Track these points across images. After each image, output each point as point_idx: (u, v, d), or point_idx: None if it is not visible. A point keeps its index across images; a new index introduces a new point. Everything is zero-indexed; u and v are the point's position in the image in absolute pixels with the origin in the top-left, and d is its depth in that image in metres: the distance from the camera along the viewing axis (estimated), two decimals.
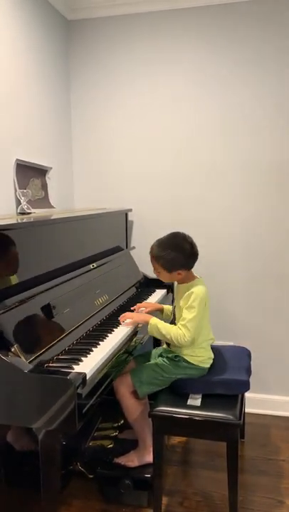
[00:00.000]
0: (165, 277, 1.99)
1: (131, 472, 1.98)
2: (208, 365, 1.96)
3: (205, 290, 1.92)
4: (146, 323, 1.93)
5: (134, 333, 1.95)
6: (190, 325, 1.84)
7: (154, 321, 1.92)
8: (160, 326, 1.90)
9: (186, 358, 1.92)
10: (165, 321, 1.97)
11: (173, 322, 2.00)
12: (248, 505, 1.96)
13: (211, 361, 1.98)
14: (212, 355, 1.99)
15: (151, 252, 1.98)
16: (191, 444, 2.45)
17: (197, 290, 1.89)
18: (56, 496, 1.51)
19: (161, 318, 2.14)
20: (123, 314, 1.97)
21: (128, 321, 1.94)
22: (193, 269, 2.01)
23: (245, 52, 2.58)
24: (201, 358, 1.94)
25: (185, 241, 1.95)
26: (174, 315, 2.02)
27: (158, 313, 2.21)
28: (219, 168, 2.71)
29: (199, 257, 2.69)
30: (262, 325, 2.74)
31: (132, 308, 2.14)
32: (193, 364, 1.92)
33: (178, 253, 1.91)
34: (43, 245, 1.79)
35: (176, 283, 2.06)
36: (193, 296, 1.87)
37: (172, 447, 2.41)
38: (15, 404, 1.35)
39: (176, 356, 1.94)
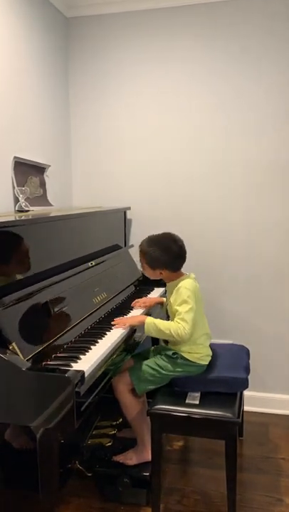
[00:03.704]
0: (149, 273, 2.03)
1: (129, 470, 1.98)
2: (206, 362, 1.96)
3: (193, 284, 1.93)
4: (142, 324, 1.90)
5: (133, 331, 1.95)
6: (187, 317, 1.84)
7: (150, 319, 1.89)
8: (158, 323, 1.87)
9: (184, 355, 1.92)
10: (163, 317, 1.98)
11: (167, 320, 2.00)
12: (246, 504, 1.96)
13: (210, 358, 1.98)
14: (210, 352, 1.99)
15: (140, 246, 2.03)
16: (189, 442, 2.44)
17: (185, 284, 1.90)
18: (55, 494, 1.50)
19: (161, 313, 2.15)
20: (115, 320, 1.91)
21: (122, 324, 1.88)
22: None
23: (248, 50, 2.57)
24: (199, 354, 1.93)
25: (174, 242, 1.97)
26: (167, 313, 2.04)
27: (159, 306, 2.22)
28: (219, 166, 2.70)
29: (200, 255, 2.71)
30: (261, 323, 2.74)
31: (132, 305, 2.16)
32: (191, 361, 1.92)
33: (163, 252, 1.94)
34: (41, 243, 1.79)
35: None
36: (184, 291, 1.88)
37: (171, 445, 2.40)
38: (13, 403, 1.35)
39: (174, 353, 1.94)
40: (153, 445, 1.84)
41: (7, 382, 1.33)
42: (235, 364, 2.02)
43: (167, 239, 1.98)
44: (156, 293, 2.52)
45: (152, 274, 2.02)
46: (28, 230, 1.70)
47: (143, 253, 2.00)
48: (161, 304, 2.21)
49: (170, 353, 1.94)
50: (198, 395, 1.88)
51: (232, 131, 2.65)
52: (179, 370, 1.92)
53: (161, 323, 1.87)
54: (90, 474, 2.02)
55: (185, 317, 1.84)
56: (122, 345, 1.80)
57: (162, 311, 2.17)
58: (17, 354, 1.38)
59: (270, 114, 2.59)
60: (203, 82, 2.66)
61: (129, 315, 2.05)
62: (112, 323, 1.89)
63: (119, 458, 2.03)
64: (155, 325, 1.87)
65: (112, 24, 2.74)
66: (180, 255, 1.97)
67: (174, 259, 1.96)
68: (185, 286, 1.89)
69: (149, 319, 1.90)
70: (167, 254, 1.94)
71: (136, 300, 2.20)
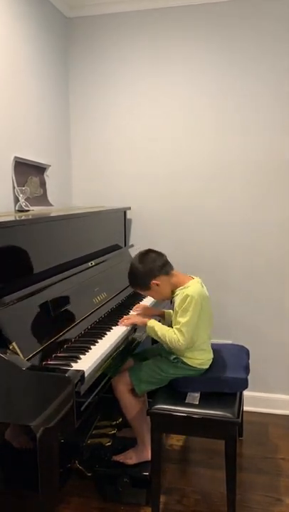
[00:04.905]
0: (152, 295, 2.01)
1: (129, 470, 1.98)
2: (207, 366, 1.95)
3: (200, 291, 1.89)
4: (144, 325, 1.92)
5: (133, 331, 1.95)
6: (184, 329, 1.82)
7: (151, 323, 1.91)
8: (157, 329, 1.89)
9: (185, 360, 1.91)
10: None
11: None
12: (246, 503, 1.96)
13: (210, 362, 1.97)
14: (211, 356, 1.98)
15: (134, 289, 2.08)
16: (189, 442, 2.45)
17: (192, 292, 1.85)
18: (54, 494, 1.51)
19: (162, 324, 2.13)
20: (124, 318, 1.96)
21: (127, 321, 1.93)
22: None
23: (245, 51, 2.57)
24: (201, 360, 1.92)
25: (142, 253, 1.96)
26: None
27: (160, 318, 2.18)
28: (219, 166, 2.70)
29: (200, 255, 2.71)
30: (261, 323, 2.74)
31: (133, 310, 2.14)
32: (191, 366, 1.91)
33: (143, 265, 1.91)
34: (41, 243, 1.79)
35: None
36: (188, 299, 1.84)
37: (170, 445, 2.40)
38: (13, 402, 1.35)
39: (175, 358, 1.92)
40: (153, 445, 1.84)
41: (7, 381, 1.34)
42: (235, 364, 2.02)
43: (135, 258, 1.97)
44: None
45: (155, 293, 1.97)
46: (28, 229, 1.70)
47: (134, 287, 2.02)
48: (162, 316, 2.14)
49: (171, 357, 1.93)
50: (197, 395, 1.88)
51: (234, 131, 2.65)
52: (179, 373, 1.92)
53: (160, 329, 1.88)
54: (89, 474, 2.02)
55: (182, 329, 1.82)
56: (122, 345, 1.80)
57: (165, 322, 2.11)
58: (17, 354, 1.38)
59: (271, 114, 2.59)
60: (204, 83, 2.65)
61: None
62: (120, 321, 1.93)
63: (119, 457, 2.04)
64: (155, 330, 1.89)
65: (112, 24, 2.74)
66: (158, 256, 1.93)
67: (157, 260, 1.91)
68: (192, 295, 1.84)
69: (150, 322, 1.92)
70: (146, 263, 1.90)
71: (137, 305, 2.17)
